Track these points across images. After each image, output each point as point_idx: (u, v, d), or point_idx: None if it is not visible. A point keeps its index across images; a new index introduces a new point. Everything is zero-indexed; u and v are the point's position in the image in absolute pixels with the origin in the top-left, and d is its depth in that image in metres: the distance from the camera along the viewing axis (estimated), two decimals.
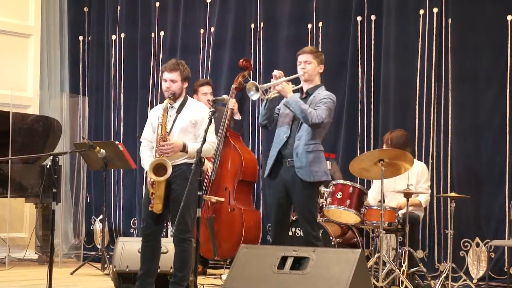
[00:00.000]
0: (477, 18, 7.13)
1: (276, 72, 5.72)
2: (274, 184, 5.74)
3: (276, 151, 5.73)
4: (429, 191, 6.97)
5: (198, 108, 5.78)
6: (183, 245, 5.63)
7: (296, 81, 5.86)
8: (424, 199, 6.92)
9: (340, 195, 6.72)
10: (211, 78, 8.31)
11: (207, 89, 7.67)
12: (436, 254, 7.21)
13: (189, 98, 5.85)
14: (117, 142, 7.83)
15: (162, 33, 8.89)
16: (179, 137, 5.67)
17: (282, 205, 5.74)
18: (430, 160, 7.23)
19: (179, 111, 5.73)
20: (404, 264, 6.58)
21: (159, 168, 5.56)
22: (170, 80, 5.71)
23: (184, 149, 5.61)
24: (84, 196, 8.87)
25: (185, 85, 5.77)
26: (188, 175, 5.55)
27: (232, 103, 7.67)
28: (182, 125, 5.69)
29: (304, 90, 5.80)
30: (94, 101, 9.32)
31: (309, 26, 7.93)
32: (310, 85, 5.79)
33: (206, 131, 5.27)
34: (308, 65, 5.76)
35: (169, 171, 5.52)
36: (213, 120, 5.32)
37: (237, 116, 7.76)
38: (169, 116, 5.72)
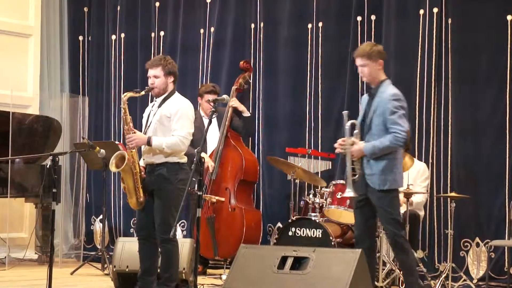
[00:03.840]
0: (477, 18, 7.13)
1: (338, 150, 5.61)
2: (357, 185, 5.61)
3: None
4: (425, 190, 6.93)
5: (175, 102, 5.73)
6: (167, 245, 5.63)
7: None
8: (419, 199, 6.89)
9: (340, 195, 6.72)
10: (211, 78, 8.31)
11: (211, 97, 7.66)
12: (436, 254, 7.21)
13: (176, 93, 5.79)
14: (117, 142, 7.81)
15: (162, 33, 8.88)
16: (156, 131, 5.67)
17: (361, 207, 5.63)
18: (430, 160, 7.23)
19: (160, 105, 5.74)
20: None
21: (122, 160, 5.57)
22: (153, 76, 5.71)
23: (148, 143, 5.60)
24: (84, 196, 8.87)
25: (170, 79, 5.72)
26: (167, 175, 5.59)
27: (233, 102, 7.64)
28: (158, 119, 5.70)
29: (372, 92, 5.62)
30: (94, 101, 9.31)
31: (309, 26, 7.92)
32: (374, 85, 5.59)
33: (206, 131, 5.28)
34: (363, 68, 5.54)
35: (125, 162, 5.50)
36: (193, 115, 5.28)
37: (246, 113, 7.74)
38: (152, 111, 5.77)
